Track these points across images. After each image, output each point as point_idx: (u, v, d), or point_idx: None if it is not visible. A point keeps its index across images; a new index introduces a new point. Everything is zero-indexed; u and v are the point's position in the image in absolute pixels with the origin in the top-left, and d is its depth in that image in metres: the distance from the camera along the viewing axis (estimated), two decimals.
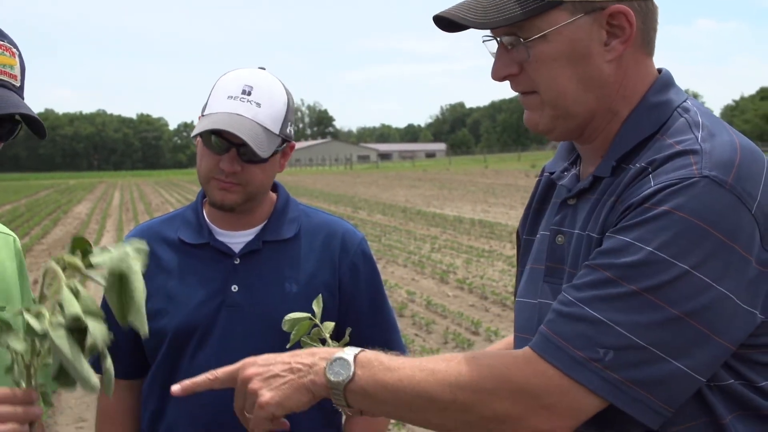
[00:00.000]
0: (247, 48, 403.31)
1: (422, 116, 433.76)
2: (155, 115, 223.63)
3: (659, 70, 1.48)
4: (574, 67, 1.38)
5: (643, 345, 1.21)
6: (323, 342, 1.60)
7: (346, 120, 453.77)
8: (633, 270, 1.23)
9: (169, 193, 42.34)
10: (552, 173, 1.60)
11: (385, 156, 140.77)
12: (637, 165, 1.33)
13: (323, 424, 2.11)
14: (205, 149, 2.03)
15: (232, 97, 2.01)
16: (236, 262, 2.07)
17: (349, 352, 1.36)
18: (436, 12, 1.43)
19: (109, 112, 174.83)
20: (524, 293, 1.60)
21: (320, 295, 1.65)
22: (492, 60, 1.47)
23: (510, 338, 1.72)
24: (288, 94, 2.10)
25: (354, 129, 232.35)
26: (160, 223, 2.20)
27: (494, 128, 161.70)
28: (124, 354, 2.14)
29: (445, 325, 9.46)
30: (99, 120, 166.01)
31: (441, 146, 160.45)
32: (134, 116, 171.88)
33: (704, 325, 1.21)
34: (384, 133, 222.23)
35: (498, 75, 1.45)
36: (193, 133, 2.01)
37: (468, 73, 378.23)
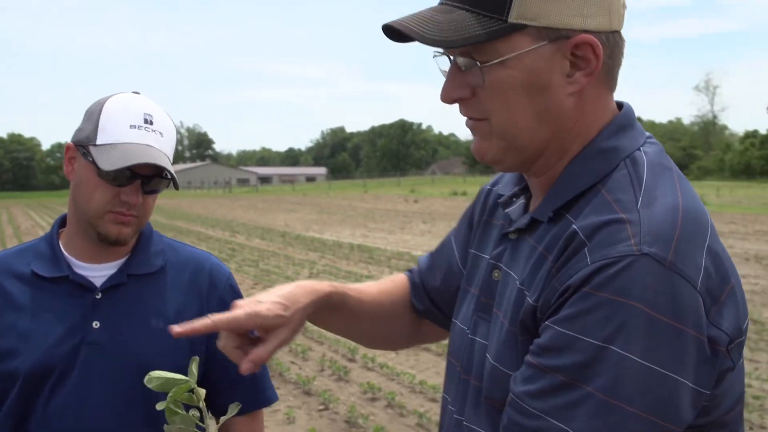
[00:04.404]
0: (125, 66, 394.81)
1: (303, 140, 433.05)
2: (27, 134, 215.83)
3: (620, 106, 1.39)
4: (531, 98, 1.28)
5: None
6: (192, 409, 1.48)
7: (225, 143, 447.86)
8: (584, 369, 1.15)
9: (41, 216, 40.82)
10: (500, 196, 1.54)
11: (265, 179, 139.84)
12: (573, 227, 1.24)
13: None
14: (101, 181, 1.91)
15: (135, 126, 1.92)
16: (98, 297, 1.96)
17: None
18: (386, 22, 1.31)
19: None
20: (461, 318, 1.56)
21: (197, 357, 1.53)
22: (443, 78, 1.35)
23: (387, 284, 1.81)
24: (173, 122, 2.05)
25: (234, 152, 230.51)
26: (9, 256, 2.05)
27: (374, 153, 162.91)
28: None
29: (321, 351, 9.41)
30: None
31: (321, 170, 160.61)
32: (4, 135, 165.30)
33: (661, 417, 1.15)
34: (264, 157, 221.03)
35: (448, 97, 1.34)
36: (109, 167, 1.86)
37: (349, 97, 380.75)
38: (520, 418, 1.21)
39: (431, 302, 1.75)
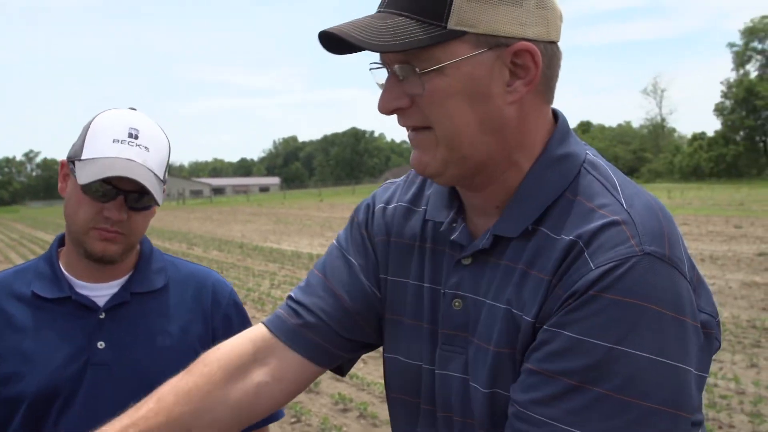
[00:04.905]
0: (74, 75, 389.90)
1: (255, 150, 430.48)
2: None
3: (555, 115, 1.38)
4: (472, 106, 1.25)
5: None
6: None
7: (177, 154, 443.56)
8: (595, 372, 1.15)
9: None
10: (437, 222, 1.46)
11: (218, 191, 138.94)
12: (565, 237, 1.23)
13: None
14: (85, 196, 1.88)
15: (118, 140, 1.88)
16: (101, 317, 1.93)
17: None
18: (323, 29, 1.25)
19: None
20: (407, 353, 1.47)
21: None
22: (379, 90, 1.32)
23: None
24: (167, 137, 2.01)
25: (186, 163, 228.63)
26: (8, 277, 2.01)
27: (327, 162, 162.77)
28: None
29: None
30: None
31: (275, 180, 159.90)
32: None
33: (675, 407, 1.16)
34: (217, 168, 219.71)
35: (386, 108, 1.30)
36: (84, 181, 1.83)
37: (300, 106, 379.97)
38: (527, 427, 1.19)
39: (341, 340, 1.54)
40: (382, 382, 8.21)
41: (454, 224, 1.42)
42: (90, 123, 1.95)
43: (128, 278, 2.01)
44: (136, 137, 1.91)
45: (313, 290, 1.56)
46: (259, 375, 1.51)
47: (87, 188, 1.86)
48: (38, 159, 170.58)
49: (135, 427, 1.43)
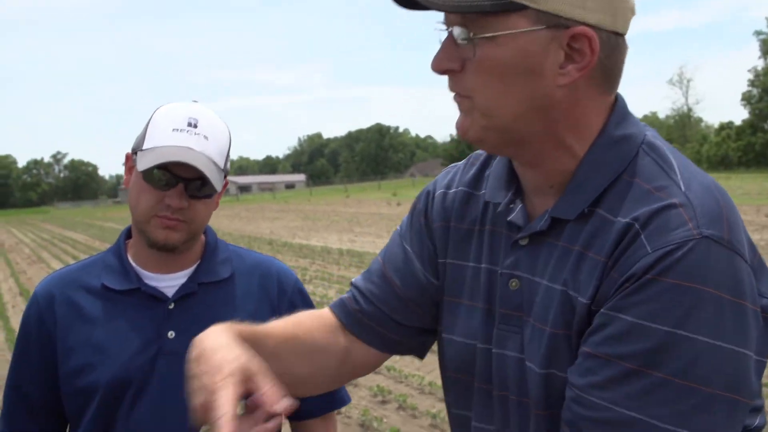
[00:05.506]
0: (100, 76, 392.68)
1: (280, 147, 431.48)
2: (2, 152, 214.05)
3: (614, 97, 1.36)
4: (520, 80, 1.25)
5: None
6: None
7: None
8: (655, 356, 1.14)
9: (23, 233, 40.59)
10: (495, 203, 1.46)
11: (244, 188, 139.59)
12: (621, 220, 1.23)
13: None
14: (146, 185, 1.90)
15: (177, 129, 1.90)
16: (171, 307, 1.96)
17: None
18: None
19: None
20: (463, 332, 1.48)
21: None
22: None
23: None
24: (228, 127, 2.04)
25: None
26: (77, 270, 2.05)
27: (353, 158, 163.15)
28: (38, 417, 2.02)
29: None
30: None
31: (300, 177, 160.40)
32: None
33: (734, 392, 1.15)
34: (242, 165, 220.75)
35: (438, 66, 1.31)
36: (142, 167, 1.87)
37: (323, 103, 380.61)
38: (586, 411, 1.19)
39: (396, 326, 1.59)
40: (419, 374, 8.26)
41: (512, 205, 1.42)
42: (152, 115, 1.98)
43: (195, 269, 2.04)
44: (195, 126, 1.93)
45: (370, 276, 1.62)
46: (343, 342, 1.61)
47: (147, 176, 1.89)
48: (66, 160, 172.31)
49: (273, 339, 1.52)
